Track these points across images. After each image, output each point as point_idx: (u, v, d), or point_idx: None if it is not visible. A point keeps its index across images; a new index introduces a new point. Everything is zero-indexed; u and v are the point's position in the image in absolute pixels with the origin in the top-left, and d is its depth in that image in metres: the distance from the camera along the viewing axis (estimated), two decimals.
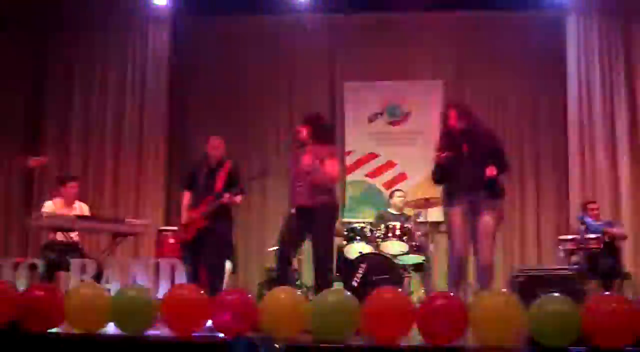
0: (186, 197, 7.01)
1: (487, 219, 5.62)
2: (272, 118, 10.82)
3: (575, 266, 7.84)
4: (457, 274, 5.73)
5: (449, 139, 5.85)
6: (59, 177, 8.27)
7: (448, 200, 5.82)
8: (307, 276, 7.73)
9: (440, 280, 8.29)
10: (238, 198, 6.72)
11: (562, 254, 8.32)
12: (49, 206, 7.85)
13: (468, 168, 5.63)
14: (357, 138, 10.63)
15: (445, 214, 5.88)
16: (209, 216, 6.66)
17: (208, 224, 6.66)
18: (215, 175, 6.82)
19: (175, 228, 6.96)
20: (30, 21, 10.18)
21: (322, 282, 5.86)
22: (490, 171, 5.56)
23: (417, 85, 10.63)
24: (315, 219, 5.94)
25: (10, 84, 9.85)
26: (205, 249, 6.67)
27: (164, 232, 8.45)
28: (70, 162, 10.16)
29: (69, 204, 7.93)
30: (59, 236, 7.54)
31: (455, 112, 5.87)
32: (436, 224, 8.08)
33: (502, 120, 10.27)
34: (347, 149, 10.56)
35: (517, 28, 10.27)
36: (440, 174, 5.87)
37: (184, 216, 6.85)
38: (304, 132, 6.13)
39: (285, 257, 6.02)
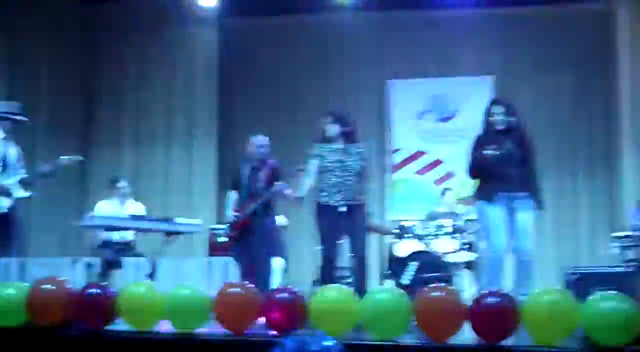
0: (231, 196, 7.08)
1: (525, 217, 5.56)
2: (320, 117, 10.83)
3: (630, 263, 7.69)
4: (493, 271, 5.69)
5: (492, 135, 5.79)
6: (111, 179, 8.42)
7: (487, 197, 5.76)
8: None
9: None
10: (289, 191, 6.75)
11: (616, 251, 8.17)
12: (102, 206, 7.99)
13: (510, 167, 5.56)
14: (404, 136, 10.60)
15: (483, 211, 5.81)
16: (256, 214, 6.72)
17: (254, 222, 6.72)
18: (259, 174, 6.87)
19: (224, 227, 7.04)
20: (81, 23, 10.37)
21: (362, 280, 5.88)
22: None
23: (464, 81, 10.54)
24: (355, 217, 5.96)
25: (63, 86, 10.03)
26: (253, 247, 6.73)
27: (216, 231, 8.53)
28: (122, 162, 10.32)
29: (121, 203, 8.06)
30: (114, 236, 7.67)
31: (502, 109, 5.81)
32: None
33: (553, 116, 10.12)
34: (394, 146, 10.53)
35: (566, 21, 10.12)
36: (481, 171, 5.82)
37: (230, 215, 6.91)
38: (332, 129, 6.18)
39: (330, 256, 6.03)
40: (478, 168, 5.81)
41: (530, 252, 5.58)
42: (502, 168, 5.61)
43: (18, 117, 6.65)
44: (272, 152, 7.16)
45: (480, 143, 5.84)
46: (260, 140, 6.98)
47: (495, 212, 5.66)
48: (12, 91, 9.04)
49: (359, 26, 10.71)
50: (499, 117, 5.75)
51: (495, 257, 5.65)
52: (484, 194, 5.80)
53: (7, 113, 6.61)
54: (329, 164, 6.09)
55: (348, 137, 6.22)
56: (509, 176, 5.57)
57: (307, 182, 6.20)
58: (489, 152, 5.68)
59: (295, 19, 10.82)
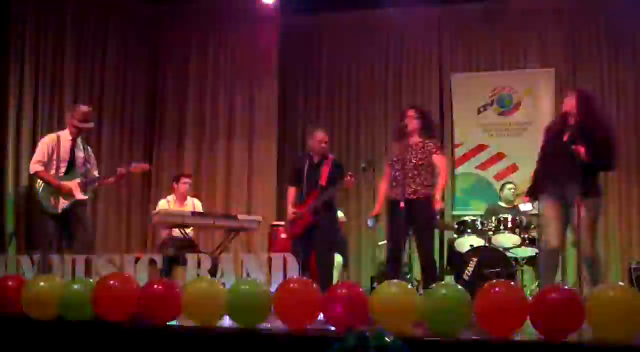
0: (292, 192, 7.10)
1: (582, 212, 5.37)
2: (381, 112, 10.82)
3: None
4: (547, 266, 5.59)
5: (557, 126, 5.67)
6: (175, 174, 8.56)
7: (541, 191, 5.67)
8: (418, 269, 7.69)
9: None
10: (352, 180, 6.76)
11: None
12: (163, 204, 8.13)
13: (564, 160, 5.37)
14: (466, 130, 10.50)
15: (540, 205, 5.72)
16: (317, 210, 6.74)
17: (316, 218, 6.74)
18: (319, 169, 6.88)
19: (284, 223, 7.09)
20: (145, 23, 10.55)
21: (430, 275, 5.85)
22: (578, 149, 5.31)
23: (526, 74, 10.37)
24: (422, 212, 5.92)
25: (128, 86, 10.22)
26: (315, 243, 6.75)
27: (276, 228, 8.59)
28: (184, 159, 10.46)
29: (182, 200, 8.19)
30: (176, 232, 7.79)
31: (573, 100, 5.66)
32: None
33: (617, 108, 9.87)
34: (456, 141, 10.45)
35: (631, 8, 9.84)
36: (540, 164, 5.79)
37: (291, 212, 6.95)
38: (415, 123, 6.15)
39: (397, 252, 6.01)
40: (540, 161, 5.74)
41: (590, 247, 5.41)
42: (555, 161, 5.51)
43: (84, 125, 6.85)
44: (331, 148, 7.19)
45: (548, 130, 5.77)
46: (321, 136, 6.98)
47: (548, 206, 5.59)
48: (77, 92, 9.26)
49: (419, 20, 10.66)
50: (567, 107, 5.63)
51: (550, 252, 5.57)
52: (538, 187, 5.71)
53: (75, 119, 6.82)
54: (392, 160, 6.09)
55: (427, 131, 6.22)
56: (561, 169, 5.42)
57: (380, 194, 6.23)
58: (548, 144, 5.60)
59: (355, 14, 10.81)
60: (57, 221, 6.64)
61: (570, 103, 5.63)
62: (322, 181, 6.80)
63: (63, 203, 6.61)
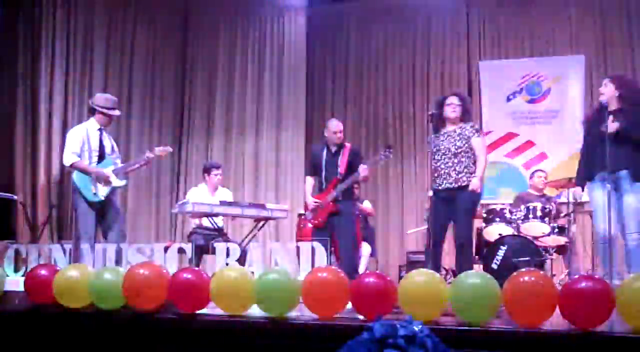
0: (309, 182, 7.12)
1: (629, 200, 5.38)
2: (409, 100, 10.80)
3: None
4: (603, 255, 5.54)
5: (597, 114, 5.61)
6: (204, 166, 8.61)
7: (588, 178, 5.63)
8: (449, 258, 7.68)
9: (584, 262, 8.05)
10: (366, 171, 6.76)
11: None
12: (194, 193, 8.18)
13: (610, 146, 5.23)
14: (495, 117, 10.45)
15: (589, 192, 5.69)
16: (337, 198, 6.75)
17: (337, 206, 6.75)
18: (337, 158, 6.88)
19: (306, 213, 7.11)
20: (175, 13, 10.61)
21: (466, 262, 5.80)
22: (611, 125, 5.30)
23: (556, 61, 10.29)
24: (463, 200, 5.87)
25: (157, 77, 10.30)
26: (337, 230, 6.76)
27: (305, 217, 8.61)
28: (213, 149, 10.53)
29: (212, 190, 8.23)
30: (205, 222, 7.84)
31: (610, 86, 5.61)
32: (579, 204, 7.77)
33: None
34: (485, 129, 10.39)
35: None
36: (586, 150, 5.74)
37: (310, 201, 6.96)
38: (459, 110, 6.08)
39: (437, 241, 5.97)
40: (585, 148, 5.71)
41: (635, 236, 5.37)
42: (599, 148, 5.41)
43: (112, 112, 6.91)
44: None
45: (586, 121, 5.73)
46: (335, 126, 6.94)
47: (597, 194, 5.55)
48: (107, 82, 9.35)
49: (447, 6, 10.59)
50: (606, 94, 5.60)
51: (599, 240, 5.56)
52: (585, 175, 5.70)
53: (103, 107, 6.87)
54: (432, 151, 6.04)
55: (465, 115, 6.14)
56: (613, 155, 5.24)
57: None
58: (591, 131, 5.56)
59: (382, 2, 10.78)
60: (95, 210, 6.70)
61: (608, 92, 5.59)
62: (342, 170, 6.80)
63: (103, 190, 6.68)
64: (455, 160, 5.92)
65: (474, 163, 5.95)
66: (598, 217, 5.58)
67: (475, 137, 5.99)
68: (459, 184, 5.89)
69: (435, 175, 5.98)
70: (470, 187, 5.84)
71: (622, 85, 5.62)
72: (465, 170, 5.92)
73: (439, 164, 5.96)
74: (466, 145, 5.95)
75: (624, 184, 5.43)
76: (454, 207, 5.87)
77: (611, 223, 5.28)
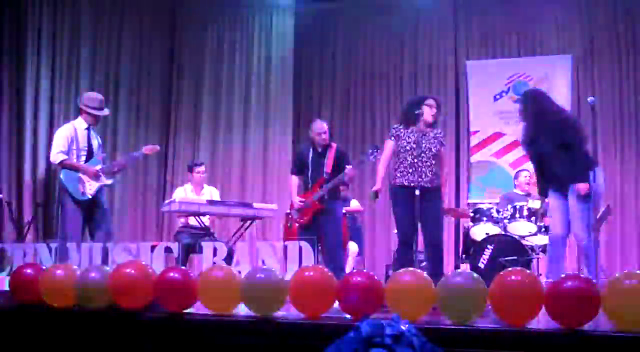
0: (294, 181, 7.13)
1: (571, 202, 5.60)
2: (396, 98, 10.80)
3: None
4: (551, 255, 5.88)
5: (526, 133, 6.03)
6: (188, 164, 8.60)
7: (545, 194, 6.08)
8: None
9: (570, 261, 8.09)
10: (352, 171, 6.76)
11: None
12: (179, 192, 8.17)
13: (551, 161, 5.74)
14: (482, 117, 10.45)
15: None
16: (322, 199, 6.76)
17: (322, 207, 6.76)
18: (323, 158, 6.88)
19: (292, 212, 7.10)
20: (161, 9, 10.58)
21: (437, 268, 5.85)
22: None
23: (543, 60, 10.29)
24: (436, 202, 5.94)
25: (143, 74, 10.26)
26: (323, 229, 6.77)
27: (291, 216, 8.60)
28: (200, 148, 10.50)
29: (198, 189, 8.21)
30: (192, 220, 7.82)
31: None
32: None
33: (635, 93, 9.76)
34: (472, 128, 10.41)
35: None
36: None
37: (296, 200, 6.95)
38: (437, 115, 6.16)
39: (409, 238, 5.99)
40: None
41: (583, 237, 5.52)
42: (546, 164, 5.81)
43: (98, 112, 6.89)
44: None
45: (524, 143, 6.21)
46: (319, 127, 6.95)
47: (551, 196, 5.84)
48: (94, 79, 9.32)
49: (435, 6, 10.61)
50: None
51: (551, 243, 5.87)
52: (544, 192, 6.05)
53: (89, 107, 6.84)
54: (406, 145, 6.05)
55: (436, 122, 6.22)
56: (552, 165, 5.72)
57: (382, 170, 6.19)
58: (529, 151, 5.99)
59: (370, 2, 10.78)
60: (83, 209, 6.67)
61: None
62: (328, 169, 6.81)
63: (91, 188, 6.65)
64: (434, 162, 6.03)
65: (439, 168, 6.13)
66: (551, 221, 5.98)
67: (443, 147, 6.20)
68: (433, 185, 5.95)
69: (411, 170, 5.97)
70: (441, 195, 6.11)
71: (525, 107, 5.97)
72: (437, 173, 6.04)
73: (417, 161, 5.97)
74: (438, 149, 6.10)
75: (569, 188, 5.64)
76: (426, 207, 5.88)
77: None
